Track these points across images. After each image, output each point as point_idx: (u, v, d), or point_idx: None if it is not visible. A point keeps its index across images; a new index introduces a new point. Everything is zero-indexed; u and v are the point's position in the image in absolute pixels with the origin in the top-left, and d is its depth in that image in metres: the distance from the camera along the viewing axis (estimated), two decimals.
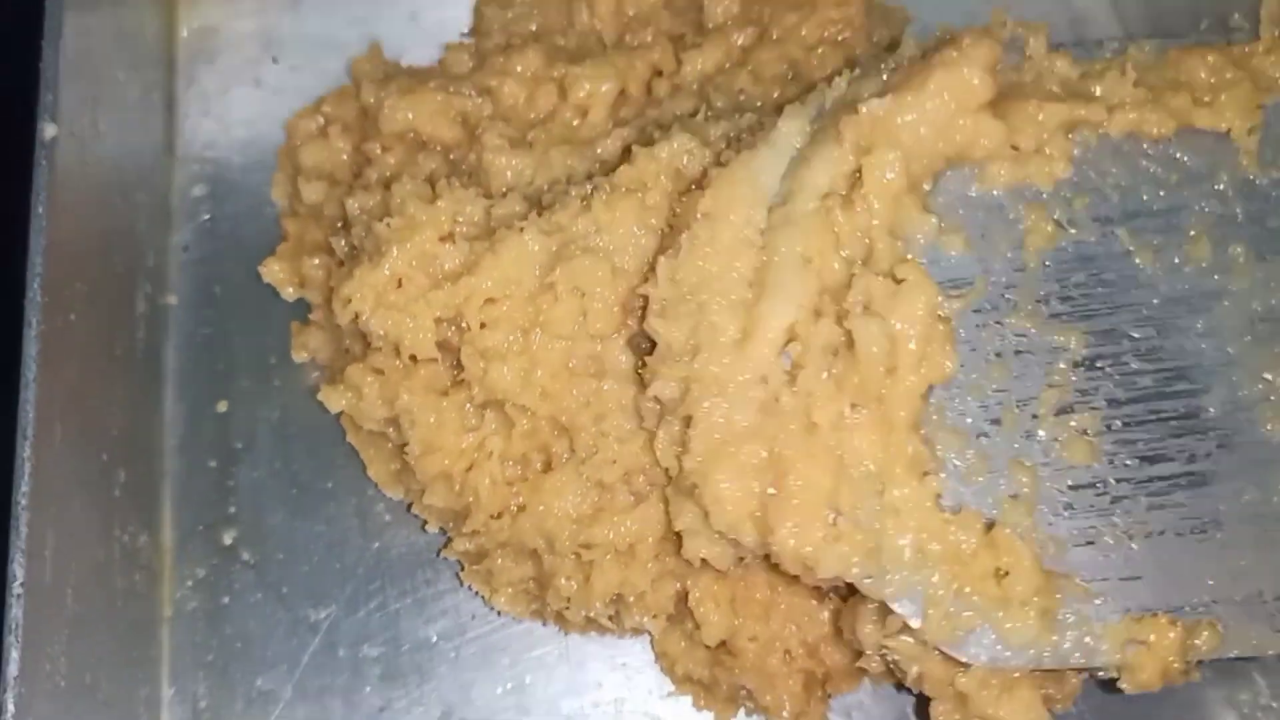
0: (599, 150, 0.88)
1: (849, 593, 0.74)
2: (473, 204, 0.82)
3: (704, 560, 0.74)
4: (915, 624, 0.67)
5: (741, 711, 0.83)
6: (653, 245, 0.78)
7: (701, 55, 0.93)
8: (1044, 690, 0.70)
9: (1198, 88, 0.74)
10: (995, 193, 0.73)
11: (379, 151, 0.91)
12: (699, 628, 0.80)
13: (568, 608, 0.81)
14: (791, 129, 0.75)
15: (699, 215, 0.73)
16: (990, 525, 0.68)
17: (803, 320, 0.69)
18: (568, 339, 0.79)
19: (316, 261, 0.91)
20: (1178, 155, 0.74)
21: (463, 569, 0.86)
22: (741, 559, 0.75)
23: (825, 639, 0.80)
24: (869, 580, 0.68)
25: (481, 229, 0.82)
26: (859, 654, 0.79)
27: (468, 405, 0.82)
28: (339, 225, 0.90)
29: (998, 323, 0.71)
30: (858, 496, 0.67)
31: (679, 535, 0.75)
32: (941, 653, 0.69)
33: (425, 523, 0.88)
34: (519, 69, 0.90)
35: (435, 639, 0.87)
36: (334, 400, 0.85)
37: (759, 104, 0.91)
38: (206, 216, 0.99)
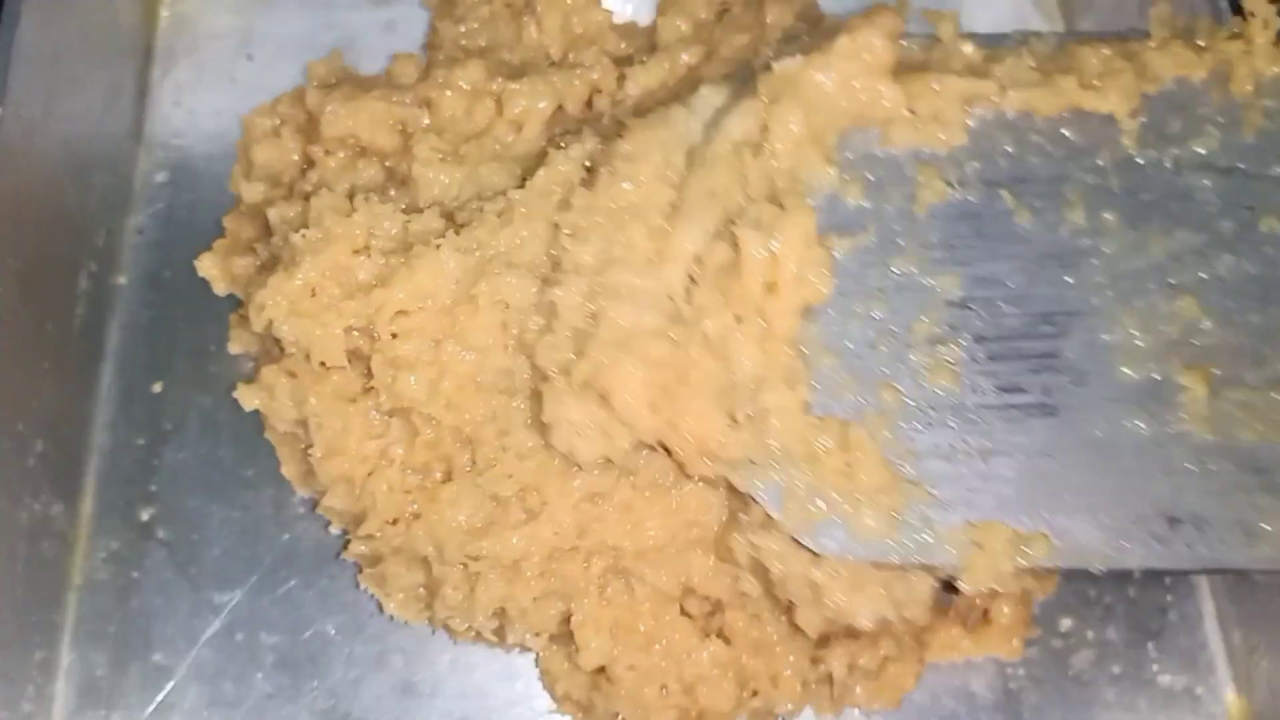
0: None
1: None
2: (390, 219, 0.83)
3: (571, 456, 0.77)
4: (775, 515, 0.73)
5: None
6: None
7: (645, 72, 0.93)
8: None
9: (1088, 74, 0.79)
10: (894, 152, 0.79)
11: (322, 154, 0.92)
12: (580, 650, 0.81)
13: (453, 617, 0.82)
14: (710, 92, 0.81)
15: (620, 156, 0.78)
16: (847, 427, 0.73)
17: (706, 246, 0.75)
18: (480, 351, 0.80)
19: (246, 261, 0.92)
20: (1064, 132, 0.79)
21: (361, 571, 0.87)
22: (608, 459, 0.78)
23: (702, 679, 0.80)
24: (741, 474, 0.74)
25: (398, 243, 0.83)
26: (736, 698, 0.80)
27: (374, 413, 0.83)
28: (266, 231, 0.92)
29: (883, 262, 0.76)
30: (741, 398, 0.74)
31: (545, 433, 0.77)
32: (800, 546, 0.74)
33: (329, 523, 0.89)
34: (460, 82, 0.91)
35: (332, 632, 0.88)
36: (248, 398, 0.86)
37: None
38: (164, 203, 1.01)
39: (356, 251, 0.82)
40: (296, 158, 0.95)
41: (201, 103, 1.05)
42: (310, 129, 0.94)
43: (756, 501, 0.74)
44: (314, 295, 0.82)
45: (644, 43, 0.97)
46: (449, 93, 0.91)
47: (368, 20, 1.09)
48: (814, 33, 0.88)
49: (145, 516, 0.91)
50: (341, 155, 0.92)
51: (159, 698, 0.85)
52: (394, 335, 0.81)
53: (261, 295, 0.82)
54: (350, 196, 0.85)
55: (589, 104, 0.93)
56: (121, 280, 0.98)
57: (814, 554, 0.74)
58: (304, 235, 0.82)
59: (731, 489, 0.77)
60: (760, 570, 0.77)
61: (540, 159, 0.85)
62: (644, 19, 1.01)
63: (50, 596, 0.87)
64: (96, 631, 0.87)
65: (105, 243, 0.97)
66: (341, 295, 0.82)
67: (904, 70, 0.79)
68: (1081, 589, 0.87)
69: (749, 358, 0.74)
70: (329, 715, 0.85)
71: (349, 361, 0.84)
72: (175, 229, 1.01)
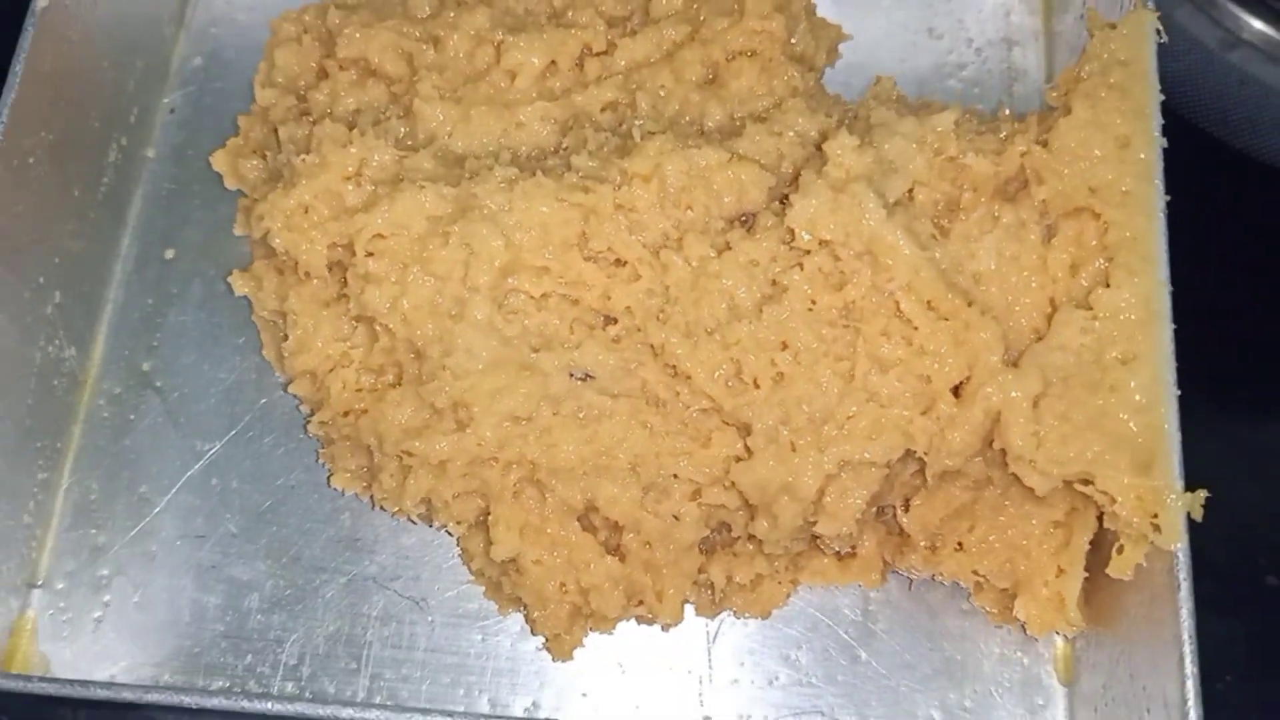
0: (519, 116, 0.91)
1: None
2: (382, 152, 0.87)
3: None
4: None
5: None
6: (555, 239, 0.83)
7: (634, 43, 0.94)
8: None
9: None
10: None
11: (336, 69, 0.95)
12: (493, 544, 0.86)
13: (386, 499, 0.88)
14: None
15: None
16: None
17: None
18: (440, 279, 0.84)
19: (253, 164, 0.96)
20: None
21: (322, 446, 0.93)
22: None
23: (595, 587, 0.85)
24: None
25: (390, 175, 0.87)
26: (623, 606, 0.86)
27: (344, 318, 0.88)
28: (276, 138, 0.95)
29: None
30: None
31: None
32: None
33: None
34: (466, 26, 0.93)
35: (294, 486, 0.94)
36: (239, 284, 0.93)
37: (676, 107, 0.93)
38: (196, 86, 1.05)
39: (347, 178, 0.86)
40: (315, 64, 0.98)
41: None
42: (330, 42, 0.96)
43: None
44: (306, 213, 0.86)
45: (639, 6, 0.98)
46: (455, 35, 0.93)
47: None
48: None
49: (146, 367, 0.97)
50: (353, 73, 0.95)
51: (140, 525, 0.92)
52: (369, 254, 0.85)
53: (261, 208, 0.87)
54: (350, 126, 0.88)
55: (580, 63, 0.94)
56: (150, 154, 1.03)
57: None
58: (304, 159, 0.86)
59: None
60: None
61: (545, 132, 0.90)
62: None
63: (57, 427, 0.94)
64: (93, 462, 0.94)
65: (138, 119, 1.01)
66: (329, 216, 0.86)
67: None
68: None
69: None
70: (281, 556, 0.92)
71: (329, 271, 0.88)
72: (204, 112, 1.04)
